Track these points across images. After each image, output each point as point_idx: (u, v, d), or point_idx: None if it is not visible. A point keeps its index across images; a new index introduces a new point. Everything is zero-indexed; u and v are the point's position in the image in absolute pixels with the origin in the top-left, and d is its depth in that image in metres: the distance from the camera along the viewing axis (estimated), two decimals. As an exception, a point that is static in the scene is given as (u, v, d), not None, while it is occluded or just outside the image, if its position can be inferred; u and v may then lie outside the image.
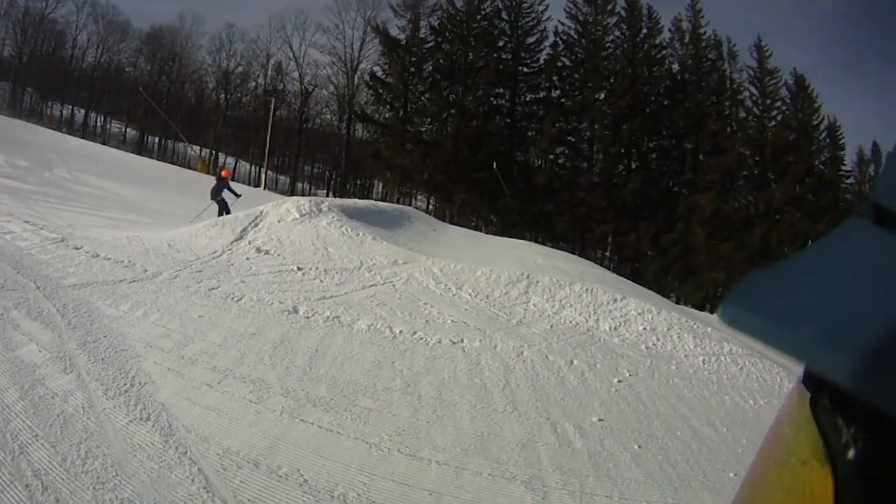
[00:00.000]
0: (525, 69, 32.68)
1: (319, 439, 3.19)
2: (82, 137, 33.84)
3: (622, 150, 31.22)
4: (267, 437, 3.12)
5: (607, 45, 32.60)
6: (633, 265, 30.88)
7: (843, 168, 33.49)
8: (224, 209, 11.42)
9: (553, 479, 3.24)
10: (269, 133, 32.54)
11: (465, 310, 5.98)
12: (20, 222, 7.07)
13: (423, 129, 32.41)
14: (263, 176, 33.42)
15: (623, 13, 32.72)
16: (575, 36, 32.63)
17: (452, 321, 5.56)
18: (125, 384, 3.47)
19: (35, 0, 38.32)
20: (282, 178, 36.55)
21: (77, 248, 6.24)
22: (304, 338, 4.74)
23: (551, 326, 6.15)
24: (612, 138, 30.88)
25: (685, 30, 33.14)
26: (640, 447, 4.09)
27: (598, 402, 4.64)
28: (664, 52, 32.88)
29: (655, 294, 9.63)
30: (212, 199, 11.89)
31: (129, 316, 4.63)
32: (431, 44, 33.37)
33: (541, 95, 32.45)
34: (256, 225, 7.76)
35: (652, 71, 32.43)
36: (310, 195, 28.43)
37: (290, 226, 7.76)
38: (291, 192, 34.53)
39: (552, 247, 22.99)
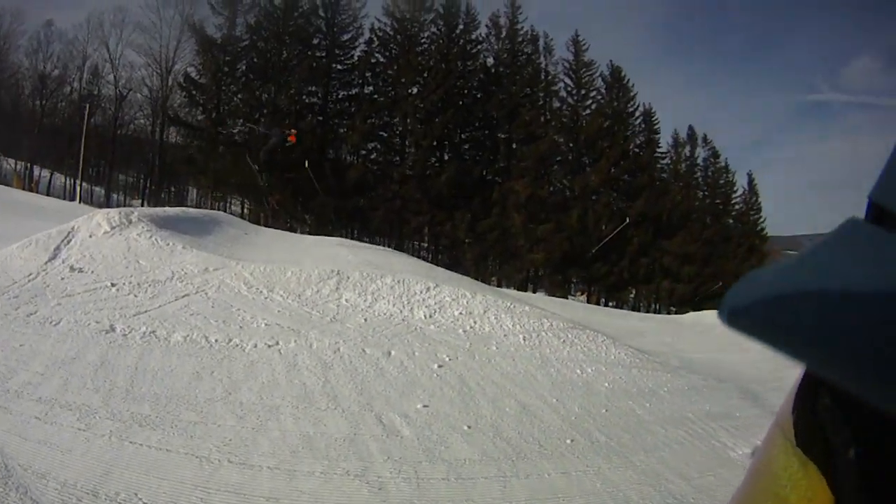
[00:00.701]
0: (339, 66, 32.22)
1: (150, 459, 3.14)
2: None
3: (434, 143, 31.28)
4: (100, 463, 3.06)
5: (423, 40, 32.67)
6: (451, 253, 31.05)
7: (659, 150, 34.64)
8: None
9: (386, 470, 3.27)
10: (83, 141, 30.81)
11: (278, 312, 6.01)
12: None
13: (235, 131, 31.37)
14: (78, 188, 31.55)
15: (441, 10, 33.06)
16: (391, 32, 32.55)
17: (266, 324, 5.57)
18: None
19: None
20: (98, 188, 34.59)
21: None
22: (123, 356, 4.67)
23: (365, 320, 6.24)
24: (425, 131, 30.85)
25: (502, 25, 33.77)
26: (469, 427, 4.16)
27: (421, 389, 4.70)
28: (480, 46, 33.34)
29: (471, 279, 9.83)
30: None
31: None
32: (247, 42, 32.55)
33: (353, 92, 31.98)
34: (69, 241, 7.45)
35: (466, 65, 32.79)
36: (124, 206, 26.98)
37: (102, 240, 7.55)
38: (106, 203, 32.70)
39: (368, 242, 22.51)
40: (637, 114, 34.24)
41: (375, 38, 32.51)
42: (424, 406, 4.35)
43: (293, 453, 3.25)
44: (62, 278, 6.55)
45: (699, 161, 36.53)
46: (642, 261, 32.68)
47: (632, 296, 34.55)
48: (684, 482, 4.11)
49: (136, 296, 6.20)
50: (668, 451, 4.74)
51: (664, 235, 33.20)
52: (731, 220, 37.11)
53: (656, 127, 34.43)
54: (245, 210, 30.95)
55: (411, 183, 30.15)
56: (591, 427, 4.85)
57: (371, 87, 32.21)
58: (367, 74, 32.17)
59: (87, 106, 32.91)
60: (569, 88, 33.44)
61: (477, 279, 15.07)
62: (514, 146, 32.00)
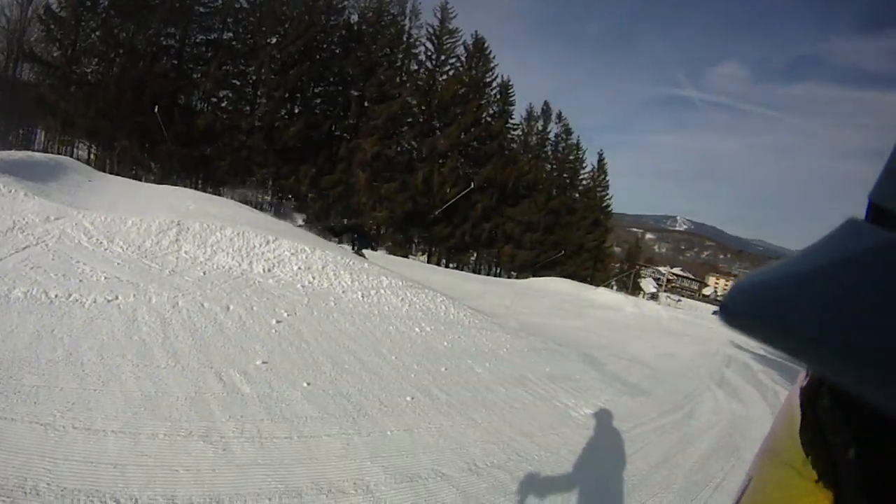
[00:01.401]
0: (201, 8, 32.11)
1: (-6, 430, 2.88)
2: None
3: (287, 95, 31.68)
4: (-64, 440, 2.78)
5: (288, -11, 32.95)
6: (294, 207, 31.71)
7: (512, 122, 36.12)
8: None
9: (229, 429, 3.18)
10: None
11: (118, 264, 5.64)
12: None
13: (89, 71, 31.33)
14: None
15: (310, -39, 33.17)
16: (258, -22, 32.72)
17: (106, 277, 5.20)
18: None
19: None
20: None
21: None
22: (-40, 318, 4.27)
23: (204, 273, 5.99)
24: (278, 82, 31.20)
25: (370, -17, 34.17)
26: (309, 384, 4.11)
27: (260, 345, 4.62)
28: (346, 2, 33.75)
29: (311, 234, 9.76)
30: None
31: None
32: (111, -26, 32.31)
33: (212, 37, 31.86)
34: None
35: (330, 19, 33.19)
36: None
37: (-58, 189, 7.00)
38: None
39: (213, 193, 23.05)
40: (494, 84, 35.54)
41: (241, -17, 32.60)
42: (264, 363, 4.27)
43: (135, 415, 3.12)
44: None
45: (551, 136, 38.29)
46: (485, 225, 34.42)
47: (473, 259, 36.37)
48: (527, 440, 4.20)
49: (-28, 250, 5.71)
50: (510, 410, 4.83)
51: (509, 203, 35.02)
52: (577, 195, 39.18)
53: (512, 99, 35.90)
54: (92, 156, 30.28)
55: (259, 134, 30.49)
56: (431, 385, 4.87)
57: (231, 34, 32.21)
58: (229, 20, 32.19)
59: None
60: (429, 53, 34.46)
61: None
62: (366, 104, 32.68)
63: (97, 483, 2.45)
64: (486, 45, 35.15)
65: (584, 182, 39.38)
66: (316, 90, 32.82)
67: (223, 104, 31.96)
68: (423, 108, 33.74)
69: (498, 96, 35.56)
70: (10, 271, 5.05)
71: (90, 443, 2.78)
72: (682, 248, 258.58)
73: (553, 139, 38.17)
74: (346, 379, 4.39)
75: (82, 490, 2.39)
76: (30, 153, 13.13)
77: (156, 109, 27.20)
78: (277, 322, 5.23)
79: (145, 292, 5.06)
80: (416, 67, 34.29)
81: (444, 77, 34.44)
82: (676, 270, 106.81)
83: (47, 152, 22.06)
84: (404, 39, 34.19)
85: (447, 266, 33.22)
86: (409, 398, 4.36)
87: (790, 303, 0.26)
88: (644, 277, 55.24)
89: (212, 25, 32.60)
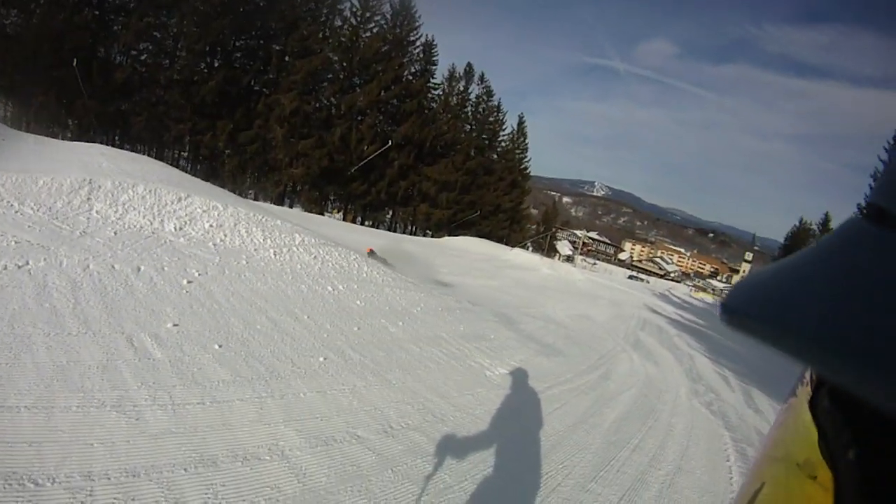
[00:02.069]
0: (125, -43, 32.20)
1: None
2: None
3: (207, 48, 31.89)
4: None
5: (214, -61, 32.69)
6: (210, 164, 32.21)
7: (433, 81, 36.89)
8: None
9: (142, 397, 3.10)
10: None
11: (28, 227, 5.33)
12: None
13: (7, 23, 31.31)
14: None
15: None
16: (182, -75, 32.39)
17: (16, 242, 4.90)
18: None
19: None
20: None
21: None
22: None
23: (115, 233, 5.77)
24: (199, 35, 31.06)
25: (292, -65, 33.79)
26: (220, 347, 4.03)
27: (171, 307, 4.49)
28: (269, -47, 33.59)
29: (224, 191, 9.61)
30: None
31: None
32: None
33: (136, -14, 32.22)
34: None
35: (255, -29, 33.24)
36: None
37: None
38: None
39: (129, 149, 22.41)
40: (418, 43, 36.06)
41: (165, -70, 32.25)
42: (175, 325, 4.15)
43: (48, 388, 2.98)
44: None
45: (472, 97, 39.10)
46: (401, 184, 35.76)
47: (388, 217, 37.63)
48: (442, 400, 4.17)
49: None
50: (425, 370, 4.79)
51: (426, 162, 36.37)
52: (495, 156, 40.42)
53: (435, 59, 36.55)
54: (7, 113, 29.35)
55: (177, 88, 30.64)
56: (344, 345, 4.84)
57: (155, -17, 32.38)
58: (154, -31, 32.24)
59: None
60: (354, 9, 34.74)
61: (234, 192, 15.35)
62: (286, 59, 33.11)
63: (13, 464, 2.33)
64: (412, 3, 35.43)
65: (504, 144, 40.59)
66: (237, 44, 32.87)
67: (142, 57, 31.54)
68: (345, 64, 34.29)
69: (421, 55, 36.27)
70: (-81, 239, 4.69)
71: (4, 421, 2.64)
72: (600, 213, 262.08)
73: (474, 100, 39.09)
74: (258, 340, 4.32)
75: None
76: (-59, 114, 11.90)
77: (74, 63, 27.16)
78: (188, 282, 5.09)
79: (56, 256, 4.83)
80: (339, 24, 34.63)
81: (368, 34, 34.89)
82: (593, 234, 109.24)
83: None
84: (329, -6, 34.34)
85: (362, 224, 34.30)
86: (322, 359, 4.31)
87: (790, 303, 0.27)
88: (560, 240, 57.14)
89: (136, -26, 32.50)
